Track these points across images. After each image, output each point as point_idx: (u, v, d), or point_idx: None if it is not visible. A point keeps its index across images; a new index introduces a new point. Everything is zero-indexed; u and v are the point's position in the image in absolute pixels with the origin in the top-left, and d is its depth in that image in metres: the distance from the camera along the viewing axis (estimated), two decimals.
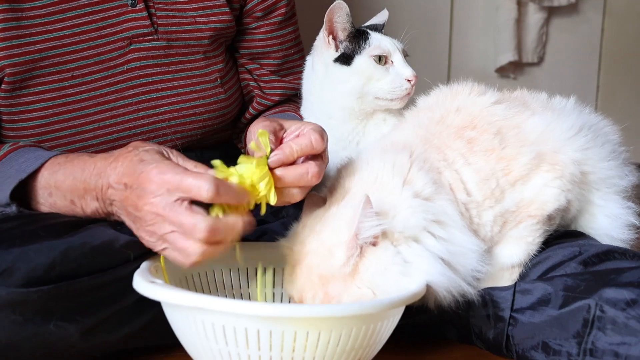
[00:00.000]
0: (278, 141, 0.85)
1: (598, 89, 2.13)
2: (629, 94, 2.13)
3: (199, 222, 0.74)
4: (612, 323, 0.79)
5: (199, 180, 0.74)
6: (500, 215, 0.88)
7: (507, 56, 1.99)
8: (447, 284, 0.81)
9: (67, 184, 0.88)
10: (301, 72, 1.14)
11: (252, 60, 1.19)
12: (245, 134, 1.11)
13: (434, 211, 0.82)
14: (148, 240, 0.79)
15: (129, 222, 0.82)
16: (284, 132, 0.86)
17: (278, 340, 0.70)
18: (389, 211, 0.81)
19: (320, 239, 0.81)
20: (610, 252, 0.89)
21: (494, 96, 0.96)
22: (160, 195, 0.75)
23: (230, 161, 1.19)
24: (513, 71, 2.05)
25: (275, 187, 0.81)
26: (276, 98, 1.19)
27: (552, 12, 2.03)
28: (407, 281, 0.79)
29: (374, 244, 0.79)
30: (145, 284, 0.75)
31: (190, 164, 0.79)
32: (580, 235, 0.97)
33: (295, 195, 0.83)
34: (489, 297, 0.88)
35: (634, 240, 0.97)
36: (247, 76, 1.20)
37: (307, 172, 0.82)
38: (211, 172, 0.77)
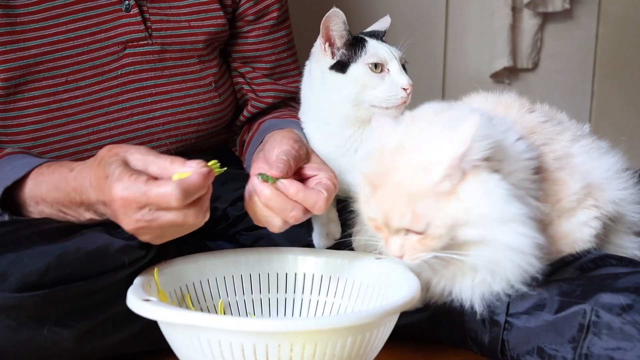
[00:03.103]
0: (295, 167, 0.87)
1: (593, 95, 2.13)
2: (624, 99, 2.14)
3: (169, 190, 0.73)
4: (608, 328, 0.79)
5: (164, 189, 0.73)
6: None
7: (502, 62, 1.99)
8: (538, 238, 0.79)
9: (52, 196, 0.87)
10: (295, 75, 1.15)
11: (244, 63, 1.19)
12: (254, 133, 1.12)
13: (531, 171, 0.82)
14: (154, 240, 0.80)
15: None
16: (306, 163, 0.90)
17: (274, 353, 0.70)
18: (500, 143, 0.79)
19: (412, 157, 0.77)
20: (607, 258, 0.89)
21: (541, 115, 0.94)
22: (133, 213, 0.75)
23: (225, 165, 1.18)
24: (508, 77, 2.05)
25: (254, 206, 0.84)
26: (270, 100, 1.19)
27: (546, 18, 2.04)
28: (509, 210, 0.76)
29: (475, 166, 0.75)
30: (139, 302, 0.75)
31: (162, 161, 0.77)
32: None
33: (269, 222, 0.84)
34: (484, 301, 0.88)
35: None
36: (240, 80, 1.19)
37: (291, 210, 0.82)
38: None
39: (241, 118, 1.19)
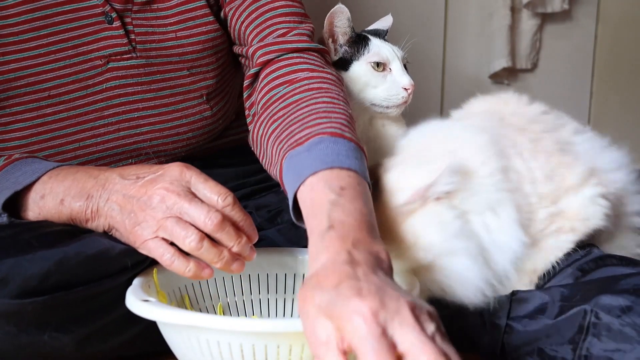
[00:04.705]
0: None
1: (591, 95, 2.13)
2: (622, 99, 2.14)
3: (211, 210, 0.79)
4: (607, 330, 0.78)
5: (206, 208, 0.79)
6: (552, 216, 0.90)
7: (501, 62, 1.99)
8: (479, 277, 0.82)
9: (65, 184, 0.87)
10: (268, 35, 1.01)
11: (240, 45, 1.07)
12: (281, 169, 0.86)
13: (496, 196, 0.85)
14: (145, 226, 0.81)
15: (121, 218, 0.83)
16: None
17: (273, 354, 0.70)
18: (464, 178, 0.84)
19: (385, 179, 0.86)
20: (607, 258, 0.90)
21: (541, 106, 0.98)
22: (176, 183, 0.81)
23: (221, 166, 1.13)
24: (507, 77, 2.05)
25: None
26: (259, 60, 1.00)
27: (545, 18, 2.04)
28: (456, 244, 0.81)
29: (437, 199, 0.82)
30: (138, 303, 0.74)
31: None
32: None
33: None
34: (485, 305, 0.88)
35: None
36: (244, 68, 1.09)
37: None
38: None
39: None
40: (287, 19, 1.01)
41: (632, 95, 2.15)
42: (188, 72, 1.04)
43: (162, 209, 0.80)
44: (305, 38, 1.00)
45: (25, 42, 0.96)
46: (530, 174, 0.89)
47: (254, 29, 1.02)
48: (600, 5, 2.07)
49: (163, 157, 1.06)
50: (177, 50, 1.03)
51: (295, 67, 0.96)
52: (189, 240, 0.78)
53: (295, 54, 0.98)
